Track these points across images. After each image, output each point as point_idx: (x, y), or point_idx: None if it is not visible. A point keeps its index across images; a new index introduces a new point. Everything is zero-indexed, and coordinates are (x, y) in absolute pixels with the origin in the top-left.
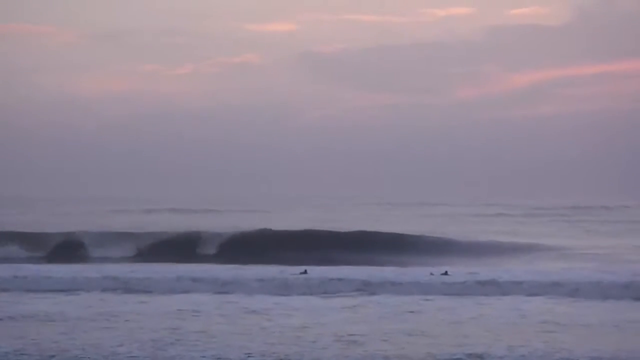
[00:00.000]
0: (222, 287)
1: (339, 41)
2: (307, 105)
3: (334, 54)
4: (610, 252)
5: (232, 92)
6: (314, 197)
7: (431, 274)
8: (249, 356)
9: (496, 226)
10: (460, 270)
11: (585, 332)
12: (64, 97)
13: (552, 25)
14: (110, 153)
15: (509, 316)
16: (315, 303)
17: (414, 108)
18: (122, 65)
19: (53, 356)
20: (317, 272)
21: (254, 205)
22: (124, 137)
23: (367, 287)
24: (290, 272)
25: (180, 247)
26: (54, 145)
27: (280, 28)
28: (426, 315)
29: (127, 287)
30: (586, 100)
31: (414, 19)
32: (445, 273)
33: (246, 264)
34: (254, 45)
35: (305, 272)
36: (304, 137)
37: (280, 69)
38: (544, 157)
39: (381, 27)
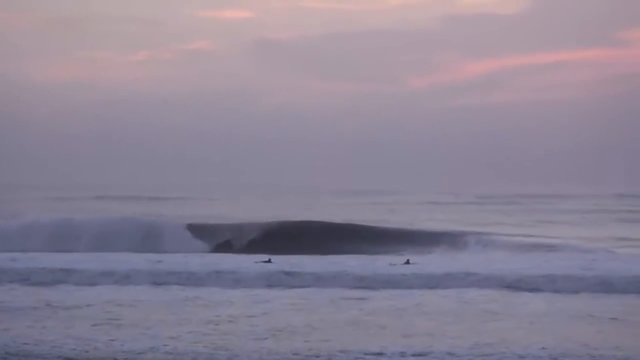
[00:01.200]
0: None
1: (294, 28)
2: (262, 92)
3: (289, 41)
4: (559, 242)
5: (186, 79)
6: (267, 185)
7: (391, 264)
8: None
9: (443, 214)
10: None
11: (527, 323)
12: (17, 83)
13: (508, 14)
14: (64, 140)
15: (451, 306)
16: (262, 294)
17: (370, 96)
18: (76, 52)
19: None
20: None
21: (200, 194)
22: (79, 124)
23: (322, 279)
24: (255, 260)
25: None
26: (5, 131)
27: (234, 15)
28: (374, 306)
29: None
30: (542, 89)
31: (370, 7)
32: (407, 262)
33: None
34: (208, 32)
35: (269, 260)
36: (259, 124)
37: (235, 56)
38: (499, 146)
39: (336, 15)
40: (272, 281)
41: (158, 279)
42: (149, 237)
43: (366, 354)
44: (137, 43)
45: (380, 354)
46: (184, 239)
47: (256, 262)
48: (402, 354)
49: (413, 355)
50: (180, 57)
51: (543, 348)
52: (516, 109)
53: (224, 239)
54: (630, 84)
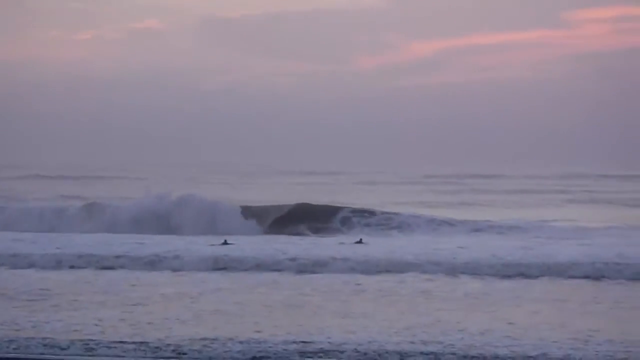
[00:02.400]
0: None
1: (243, 7)
2: (210, 71)
3: (238, 20)
4: (502, 222)
5: (134, 58)
6: (214, 164)
7: (341, 243)
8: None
9: (388, 195)
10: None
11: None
12: None
13: None
14: (12, 119)
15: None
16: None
17: (317, 76)
18: (23, 30)
19: None
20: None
21: (138, 172)
22: (26, 103)
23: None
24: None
25: None
26: None
27: None
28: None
29: None
30: (487, 69)
31: None
32: (360, 241)
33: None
34: (156, 11)
35: (225, 242)
36: (208, 103)
37: (183, 34)
38: (446, 125)
39: None
40: (217, 264)
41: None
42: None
43: (286, 341)
44: (84, 22)
45: (304, 342)
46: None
47: (212, 244)
48: (328, 338)
49: (331, 343)
50: (129, 36)
51: (460, 330)
52: (462, 89)
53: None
54: (574, 65)
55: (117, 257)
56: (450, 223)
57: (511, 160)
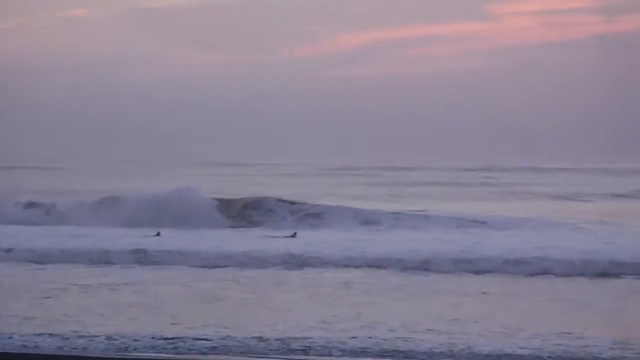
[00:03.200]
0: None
1: None
2: (137, 61)
3: (165, 10)
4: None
5: (59, 48)
6: (140, 155)
7: (273, 237)
8: None
9: (309, 186)
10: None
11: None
12: None
13: None
14: None
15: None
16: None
17: (245, 67)
18: None
19: None
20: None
21: (57, 163)
22: None
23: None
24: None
25: None
26: None
27: None
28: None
29: None
30: (415, 62)
31: None
32: (294, 235)
33: None
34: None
35: (159, 234)
36: (136, 93)
37: (109, 24)
38: (374, 117)
39: None
40: (138, 258)
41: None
42: None
43: (165, 338)
44: (7, 10)
45: (175, 338)
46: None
47: (145, 235)
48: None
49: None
50: (54, 25)
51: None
52: (388, 81)
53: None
54: (499, 58)
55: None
56: (375, 215)
57: (435, 152)
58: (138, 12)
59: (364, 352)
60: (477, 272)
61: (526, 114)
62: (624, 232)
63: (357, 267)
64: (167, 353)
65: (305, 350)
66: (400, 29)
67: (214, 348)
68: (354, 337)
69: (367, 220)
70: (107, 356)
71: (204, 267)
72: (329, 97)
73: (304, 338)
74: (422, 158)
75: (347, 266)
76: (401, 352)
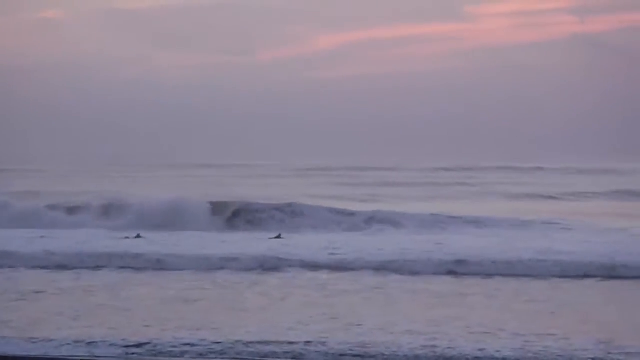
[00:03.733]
0: None
1: None
2: (112, 63)
3: (140, 12)
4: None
5: (35, 50)
6: (113, 158)
7: (258, 239)
8: None
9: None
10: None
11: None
12: None
13: None
14: None
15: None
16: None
17: (220, 68)
18: None
19: None
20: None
21: (36, 164)
22: None
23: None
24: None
25: None
26: None
27: None
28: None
29: None
30: (393, 62)
31: None
32: (279, 236)
33: None
34: (57, 1)
35: (138, 236)
36: (111, 96)
37: (85, 25)
38: (350, 118)
39: None
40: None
41: None
42: None
43: (175, 337)
44: None
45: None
46: None
47: (126, 237)
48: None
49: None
50: (29, 27)
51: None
52: (366, 81)
53: None
54: (475, 59)
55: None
56: (344, 215)
57: (414, 153)
58: (113, 13)
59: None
60: (451, 273)
61: (504, 113)
62: (601, 231)
63: (335, 268)
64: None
65: (279, 354)
66: (378, 30)
67: (185, 352)
68: (327, 339)
69: (345, 221)
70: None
71: (180, 270)
72: (309, 98)
73: (277, 342)
74: (401, 158)
75: (323, 268)
76: (373, 356)
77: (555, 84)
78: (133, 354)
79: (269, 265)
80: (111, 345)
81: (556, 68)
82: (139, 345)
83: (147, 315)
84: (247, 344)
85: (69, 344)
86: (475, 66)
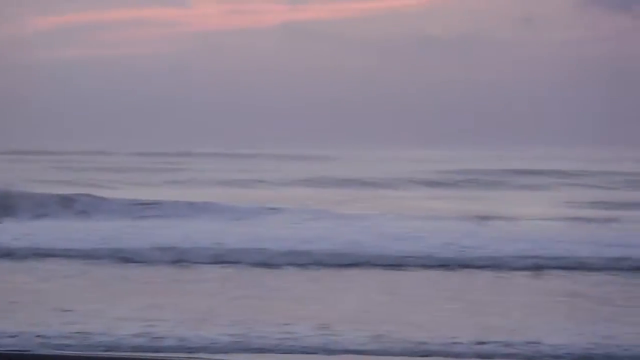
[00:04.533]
0: None
1: None
2: None
3: None
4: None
5: None
6: None
7: None
8: None
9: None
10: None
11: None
12: None
13: None
14: None
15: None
16: None
17: None
18: None
19: None
20: None
21: None
22: None
23: None
24: None
25: None
26: None
27: None
28: None
29: None
30: (111, 45)
31: None
32: None
33: None
34: None
35: None
36: None
37: None
38: (70, 103)
39: None
40: None
41: None
42: None
43: None
44: None
45: None
46: None
47: None
48: None
49: None
50: None
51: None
52: (82, 64)
53: None
54: (191, 43)
55: None
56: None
57: (122, 137)
58: None
59: None
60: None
61: (214, 99)
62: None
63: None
64: None
65: None
66: (96, 13)
67: None
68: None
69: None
70: None
71: None
72: (20, 81)
73: None
74: (110, 143)
75: None
76: None
77: (266, 69)
78: None
79: None
80: None
81: (267, 54)
82: None
83: None
84: None
85: None
86: (190, 50)
